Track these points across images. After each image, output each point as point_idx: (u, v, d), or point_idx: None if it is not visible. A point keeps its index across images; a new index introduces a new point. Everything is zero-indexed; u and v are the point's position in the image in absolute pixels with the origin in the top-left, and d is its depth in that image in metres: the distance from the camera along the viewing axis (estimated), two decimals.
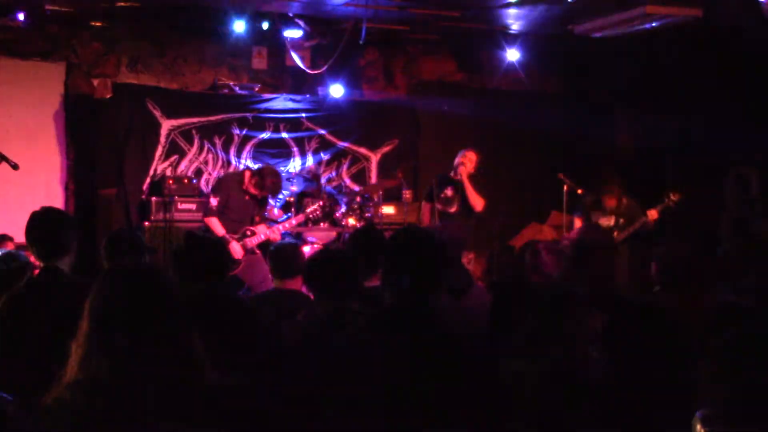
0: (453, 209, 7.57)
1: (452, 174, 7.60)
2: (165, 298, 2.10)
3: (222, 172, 8.59)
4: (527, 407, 2.48)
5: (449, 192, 7.58)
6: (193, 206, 8.15)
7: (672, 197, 7.50)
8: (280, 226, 7.35)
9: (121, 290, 2.08)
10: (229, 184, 7.22)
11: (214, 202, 7.06)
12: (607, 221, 7.77)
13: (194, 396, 1.95)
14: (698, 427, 1.58)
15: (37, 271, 3.55)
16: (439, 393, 2.53)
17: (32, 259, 3.79)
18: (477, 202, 7.52)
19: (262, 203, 7.37)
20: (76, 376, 2.01)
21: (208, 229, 6.94)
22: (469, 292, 4.15)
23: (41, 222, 3.45)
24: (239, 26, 8.43)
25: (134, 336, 2.01)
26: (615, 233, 7.62)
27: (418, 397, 2.51)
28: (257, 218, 7.21)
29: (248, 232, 7.08)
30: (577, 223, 7.82)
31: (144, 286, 2.10)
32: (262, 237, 7.09)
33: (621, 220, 7.68)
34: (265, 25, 8.49)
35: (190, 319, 2.13)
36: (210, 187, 8.26)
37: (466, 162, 7.55)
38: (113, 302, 2.06)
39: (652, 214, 7.48)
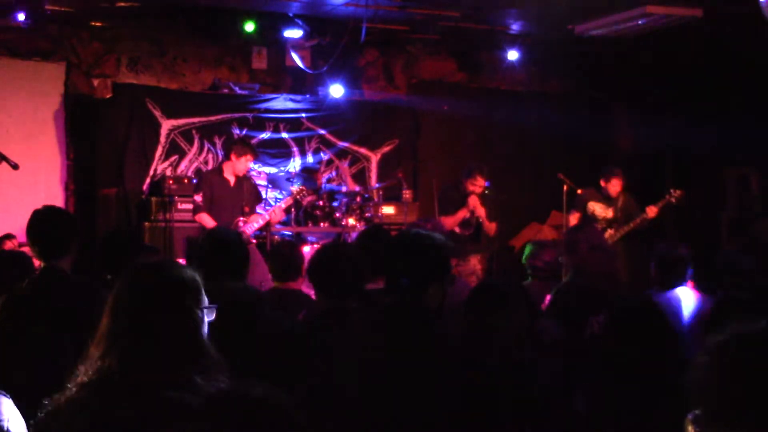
0: (468, 232, 7.39)
1: (465, 186, 7.33)
2: (192, 297, 2.07)
3: None
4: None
5: (467, 214, 7.32)
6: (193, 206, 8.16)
7: (673, 194, 7.49)
8: (277, 207, 7.40)
9: (148, 286, 2.05)
10: (208, 177, 7.34)
11: (198, 198, 7.14)
12: (605, 213, 7.75)
13: (207, 399, 1.93)
14: (689, 428, 1.57)
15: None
16: (432, 395, 2.54)
17: (33, 258, 3.79)
18: (490, 229, 7.41)
19: (249, 193, 7.33)
20: (91, 376, 1.98)
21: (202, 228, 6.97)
22: (453, 287, 4.15)
23: (43, 221, 3.44)
24: (240, 26, 8.43)
25: (155, 334, 1.99)
26: (614, 228, 7.61)
27: (412, 398, 2.52)
28: (247, 209, 7.21)
29: (240, 223, 7.10)
30: (572, 220, 7.81)
31: (171, 283, 2.07)
32: (255, 225, 7.15)
33: (618, 215, 7.68)
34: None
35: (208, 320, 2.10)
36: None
37: (476, 188, 7.28)
38: (139, 297, 2.03)
39: (652, 209, 7.46)
